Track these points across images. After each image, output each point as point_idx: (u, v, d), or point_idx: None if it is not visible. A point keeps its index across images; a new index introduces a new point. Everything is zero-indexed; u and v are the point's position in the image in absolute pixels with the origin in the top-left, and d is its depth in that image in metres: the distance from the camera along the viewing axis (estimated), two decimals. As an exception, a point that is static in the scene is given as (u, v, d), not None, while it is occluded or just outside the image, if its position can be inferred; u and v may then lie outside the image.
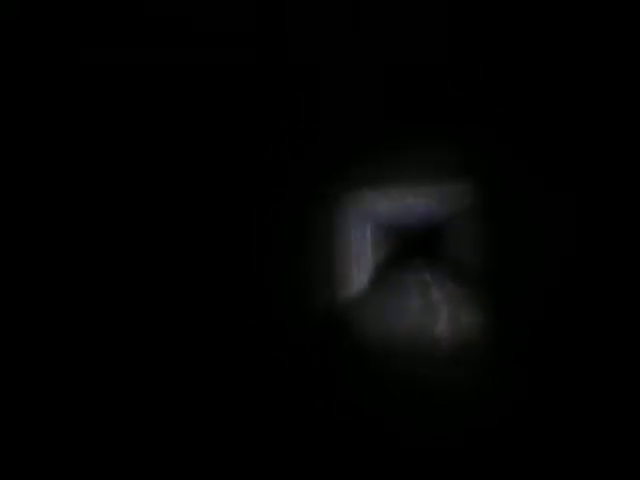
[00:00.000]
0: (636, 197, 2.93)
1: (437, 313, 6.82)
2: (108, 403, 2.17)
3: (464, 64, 2.87)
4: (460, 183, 7.79)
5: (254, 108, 3.57)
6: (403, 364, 4.12)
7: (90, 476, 1.95)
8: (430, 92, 3.38)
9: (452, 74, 3.05)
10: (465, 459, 2.39)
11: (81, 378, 2.02)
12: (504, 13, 2.29)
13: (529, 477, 2.17)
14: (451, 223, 16.03)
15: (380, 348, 4.74)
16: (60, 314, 1.92)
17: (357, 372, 3.94)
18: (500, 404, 3.05)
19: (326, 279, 7.01)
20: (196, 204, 3.09)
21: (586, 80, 3.09)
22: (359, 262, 11.24)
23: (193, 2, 2.18)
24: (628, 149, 3.04)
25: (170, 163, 2.88)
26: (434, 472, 2.29)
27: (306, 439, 2.67)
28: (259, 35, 2.45)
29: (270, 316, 4.43)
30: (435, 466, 2.35)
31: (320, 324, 6.47)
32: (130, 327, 2.36)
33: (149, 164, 2.63)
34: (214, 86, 3.08)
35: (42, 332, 1.82)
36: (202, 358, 3.09)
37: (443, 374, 3.78)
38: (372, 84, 3.22)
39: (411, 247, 29.50)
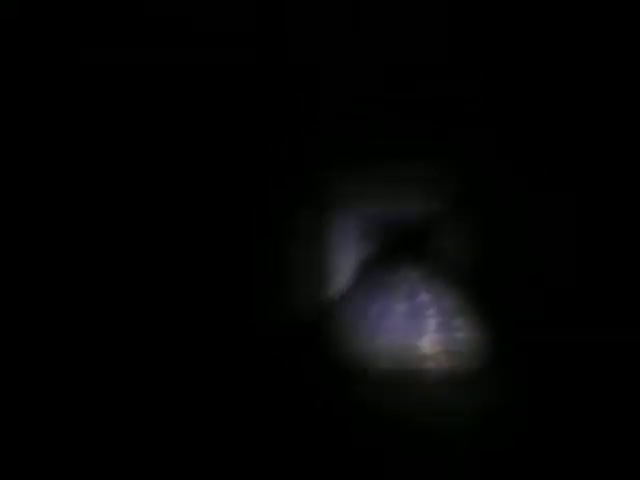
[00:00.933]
0: (624, 196, 2.98)
1: (423, 317, 6.78)
2: (97, 398, 2.17)
3: (449, 65, 2.86)
4: (447, 182, 7.87)
5: (240, 112, 3.56)
6: (386, 370, 4.13)
7: (88, 476, 1.95)
8: (416, 92, 3.35)
9: (437, 75, 3.02)
10: (453, 455, 2.40)
11: (72, 379, 2.02)
12: (490, 18, 2.28)
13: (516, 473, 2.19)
14: (438, 222, 16.24)
15: (362, 352, 4.74)
16: (51, 314, 1.92)
17: (337, 372, 3.95)
18: (493, 408, 3.08)
19: (310, 278, 6.96)
20: (182, 204, 3.09)
21: (571, 81, 3.10)
22: (344, 262, 11.26)
23: (193, 2, 2.16)
24: (613, 149, 3.09)
25: (154, 165, 2.84)
26: (417, 467, 2.29)
27: (289, 434, 2.67)
28: (247, 37, 2.42)
29: (253, 313, 4.42)
30: (419, 460, 2.35)
31: (303, 323, 6.45)
32: (118, 324, 2.36)
33: (138, 161, 2.62)
34: (201, 87, 3.08)
35: (35, 332, 1.82)
36: (187, 354, 3.09)
37: (430, 379, 3.81)
38: (359, 85, 3.21)
39: (397, 246, 29.74)
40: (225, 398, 3.31)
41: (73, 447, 1.91)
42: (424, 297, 8.71)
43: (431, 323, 6.15)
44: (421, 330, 5.70)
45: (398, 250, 28.92)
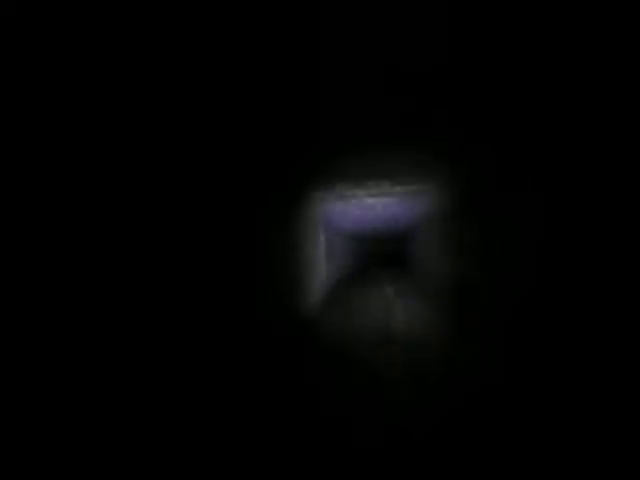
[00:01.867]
0: (617, 199, 2.96)
1: (399, 331, 6.46)
2: (95, 399, 2.15)
3: (442, 68, 2.88)
4: (427, 188, 7.88)
5: (230, 113, 3.51)
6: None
7: (88, 476, 1.86)
8: (401, 97, 3.35)
9: (428, 79, 3.05)
10: (431, 444, 2.36)
11: (69, 380, 2.01)
12: (488, 21, 2.27)
13: (489, 456, 2.18)
14: (418, 230, 16.34)
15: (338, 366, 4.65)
16: (49, 314, 1.91)
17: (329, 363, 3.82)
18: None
19: (283, 289, 6.87)
20: (177, 205, 3.18)
21: (564, 85, 3.13)
22: (322, 271, 11.13)
23: (190, 1, 2.12)
24: (607, 152, 3.08)
25: (143, 168, 2.87)
26: (403, 455, 2.27)
27: (284, 430, 2.63)
28: (247, 37, 2.41)
29: (248, 312, 4.60)
30: (403, 449, 2.32)
31: (293, 321, 6.31)
32: (115, 325, 2.37)
33: (132, 160, 2.62)
34: (199, 85, 3.04)
35: (34, 332, 1.82)
36: (186, 351, 3.14)
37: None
38: (343, 91, 3.21)
39: (377, 255, 29.79)
40: (222, 394, 3.24)
41: (73, 447, 1.89)
42: (400, 313, 8.48)
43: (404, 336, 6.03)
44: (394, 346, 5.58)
45: (377, 259, 29.01)
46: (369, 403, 3.18)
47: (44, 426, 1.78)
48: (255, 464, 2.35)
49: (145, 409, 2.45)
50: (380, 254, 29.01)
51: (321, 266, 10.64)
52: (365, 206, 9.82)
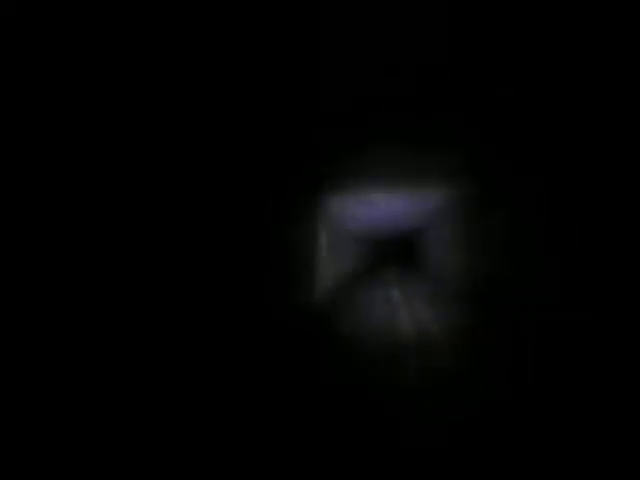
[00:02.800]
0: (628, 198, 2.86)
1: (406, 336, 6.18)
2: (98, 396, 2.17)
3: (456, 66, 2.81)
4: (439, 189, 7.72)
5: (238, 107, 3.50)
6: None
7: (89, 476, 1.87)
8: (413, 91, 3.26)
9: (444, 78, 2.98)
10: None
11: (73, 377, 2.03)
12: (500, 16, 2.20)
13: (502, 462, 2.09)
14: (428, 230, 16.16)
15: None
16: (53, 314, 1.92)
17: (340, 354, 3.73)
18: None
19: (289, 286, 6.85)
20: (180, 203, 3.19)
21: (577, 83, 3.03)
22: (329, 270, 11.02)
23: (192, 2, 2.09)
24: (620, 151, 2.98)
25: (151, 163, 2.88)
26: (410, 450, 2.19)
27: (292, 423, 2.56)
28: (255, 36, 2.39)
29: (257, 305, 4.68)
30: (411, 442, 2.25)
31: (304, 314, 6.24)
32: (122, 320, 2.39)
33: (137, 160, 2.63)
34: (204, 84, 3.05)
35: (40, 332, 1.83)
36: (187, 348, 3.18)
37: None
38: (356, 87, 3.14)
39: (386, 255, 29.57)
40: (230, 390, 3.18)
41: (73, 447, 1.91)
42: (405, 315, 8.28)
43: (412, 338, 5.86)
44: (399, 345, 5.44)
45: (386, 259, 28.79)
46: (376, 404, 3.08)
47: (44, 425, 1.78)
48: (263, 458, 2.32)
49: (153, 404, 2.46)
50: (389, 254, 28.81)
51: (329, 265, 10.53)
52: (375, 204, 9.67)
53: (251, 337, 4.25)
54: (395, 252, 28.70)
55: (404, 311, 7.75)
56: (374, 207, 10.15)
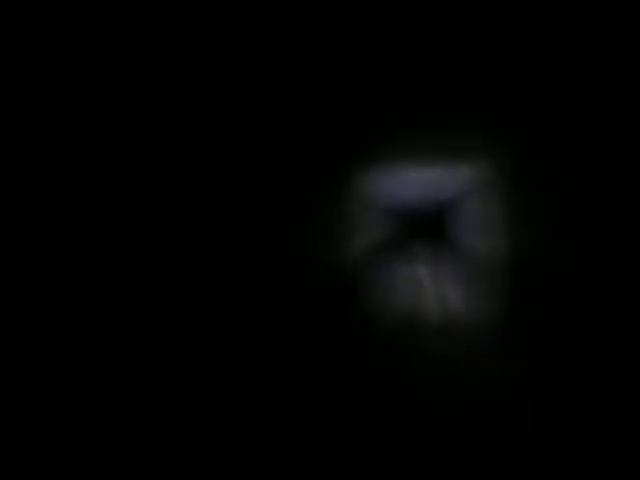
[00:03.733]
0: None
1: (429, 316, 6.21)
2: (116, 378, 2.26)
3: (482, 48, 2.74)
4: (469, 165, 7.36)
5: (275, 95, 3.58)
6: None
7: (90, 476, 1.93)
8: (444, 76, 3.27)
9: (471, 59, 2.92)
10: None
11: (82, 367, 2.06)
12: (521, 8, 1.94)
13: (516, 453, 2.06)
14: (458, 205, 15.56)
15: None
16: (62, 313, 1.94)
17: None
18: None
19: (321, 257, 6.95)
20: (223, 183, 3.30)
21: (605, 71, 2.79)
22: (358, 244, 10.88)
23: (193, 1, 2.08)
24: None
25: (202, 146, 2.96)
26: (430, 431, 2.18)
27: (315, 398, 2.56)
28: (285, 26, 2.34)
29: (283, 271, 4.92)
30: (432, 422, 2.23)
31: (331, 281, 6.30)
32: (154, 285, 2.45)
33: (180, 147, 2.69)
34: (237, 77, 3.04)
35: (44, 332, 1.82)
36: (220, 320, 3.30)
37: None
38: (389, 68, 3.16)
39: (415, 229, 28.89)
40: (251, 358, 3.21)
41: (73, 447, 1.93)
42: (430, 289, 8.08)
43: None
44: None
45: (416, 234, 28.16)
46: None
47: (45, 425, 1.81)
48: (293, 426, 2.32)
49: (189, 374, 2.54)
50: (420, 229, 28.19)
51: (360, 237, 10.42)
52: (408, 178, 9.32)
53: (285, 299, 4.36)
54: (427, 225, 28.02)
55: (431, 290, 7.57)
56: (406, 178, 9.79)
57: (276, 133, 4.22)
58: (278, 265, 4.42)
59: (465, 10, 2.29)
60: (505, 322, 4.75)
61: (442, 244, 22.63)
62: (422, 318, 5.31)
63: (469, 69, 3.21)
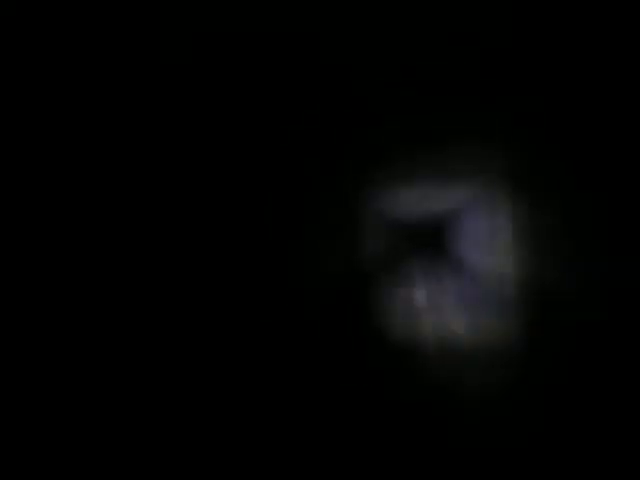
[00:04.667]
0: None
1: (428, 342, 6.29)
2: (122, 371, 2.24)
3: (490, 59, 2.78)
4: (473, 179, 7.37)
5: (288, 115, 3.75)
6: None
7: (90, 476, 1.91)
8: (446, 92, 3.32)
9: (471, 73, 2.96)
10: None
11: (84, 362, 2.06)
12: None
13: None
14: (461, 219, 15.55)
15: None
16: (62, 313, 1.94)
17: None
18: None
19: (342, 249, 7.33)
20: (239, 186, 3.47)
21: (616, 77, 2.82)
22: (360, 258, 10.85)
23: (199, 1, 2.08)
24: None
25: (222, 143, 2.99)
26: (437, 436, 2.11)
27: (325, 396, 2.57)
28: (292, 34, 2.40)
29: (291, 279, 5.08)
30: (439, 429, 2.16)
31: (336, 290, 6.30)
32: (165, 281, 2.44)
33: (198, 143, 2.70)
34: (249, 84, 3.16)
35: (45, 332, 1.82)
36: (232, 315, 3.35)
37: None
38: (399, 86, 3.24)
39: (417, 243, 28.81)
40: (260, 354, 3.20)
41: (73, 447, 1.92)
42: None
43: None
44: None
45: (417, 247, 28.06)
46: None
47: (44, 426, 1.80)
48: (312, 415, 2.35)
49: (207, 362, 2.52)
50: (420, 242, 28.10)
51: (362, 251, 10.43)
52: (414, 194, 9.32)
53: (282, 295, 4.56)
54: (428, 241, 27.94)
55: (429, 315, 7.47)
56: (409, 193, 9.80)
57: (282, 149, 4.34)
58: (280, 277, 4.48)
59: (464, 24, 2.30)
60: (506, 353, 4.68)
61: (443, 259, 22.54)
62: (421, 337, 5.22)
63: (470, 84, 3.24)
